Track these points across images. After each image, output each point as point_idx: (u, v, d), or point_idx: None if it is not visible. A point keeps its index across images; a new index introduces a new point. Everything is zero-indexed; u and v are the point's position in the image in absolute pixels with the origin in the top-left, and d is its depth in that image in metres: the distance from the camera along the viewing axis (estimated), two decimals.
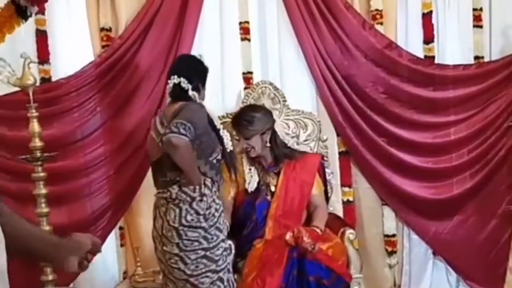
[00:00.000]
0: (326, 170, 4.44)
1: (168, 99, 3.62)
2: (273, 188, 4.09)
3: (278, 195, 4.07)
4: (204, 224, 3.38)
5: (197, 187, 3.38)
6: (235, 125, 4.09)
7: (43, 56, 4.38)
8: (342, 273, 3.79)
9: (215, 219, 3.43)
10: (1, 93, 4.19)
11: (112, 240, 4.57)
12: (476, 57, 4.84)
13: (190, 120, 3.25)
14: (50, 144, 4.10)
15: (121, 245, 4.61)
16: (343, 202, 4.77)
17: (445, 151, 4.81)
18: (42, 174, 4.01)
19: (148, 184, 4.47)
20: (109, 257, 4.59)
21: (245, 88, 4.62)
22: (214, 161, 3.47)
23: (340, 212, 4.68)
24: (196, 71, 3.58)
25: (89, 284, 4.45)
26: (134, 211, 4.56)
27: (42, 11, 4.30)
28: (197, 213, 3.37)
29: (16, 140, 4.19)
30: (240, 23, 4.64)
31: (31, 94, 3.97)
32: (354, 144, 4.72)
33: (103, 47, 4.48)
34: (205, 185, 3.41)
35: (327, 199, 4.35)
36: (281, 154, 4.12)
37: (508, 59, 4.72)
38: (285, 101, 4.51)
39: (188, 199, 3.37)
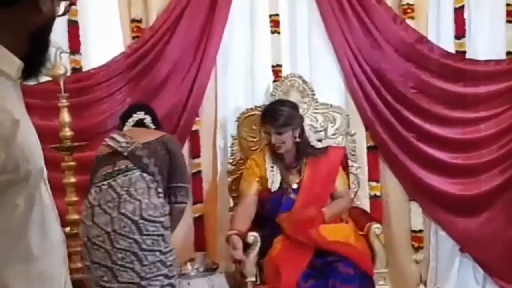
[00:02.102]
0: (354, 164, 4.43)
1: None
2: (295, 186, 4.07)
3: (302, 192, 4.05)
4: (162, 219, 3.38)
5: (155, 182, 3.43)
6: (266, 119, 4.06)
7: (74, 46, 4.42)
8: (365, 266, 3.80)
9: (169, 224, 3.45)
10: (32, 82, 4.21)
11: None
12: (508, 53, 4.77)
13: (187, 176, 3.66)
14: (79, 134, 4.15)
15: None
16: (370, 197, 4.75)
17: (475, 147, 4.77)
18: (71, 163, 4.06)
19: None
20: None
21: (274, 81, 4.61)
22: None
23: (367, 207, 4.66)
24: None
25: None
26: None
27: (74, 2, 4.33)
28: (156, 207, 3.36)
29: (46, 129, 4.22)
30: (270, 15, 4.63)
31: (62, 84, 4.01)
32: (383, 139, 4.70)
33: (133, 38, 4.50)
34: (157, 183, 3.44)
35: None
36: (305, 152, 4.11)
37: None
38: (313, 94, 4.50)
39: (146, 187, 3.38)
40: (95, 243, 3.32)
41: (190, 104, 4.47)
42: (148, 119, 3.67)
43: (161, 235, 3.34)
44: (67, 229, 3.95)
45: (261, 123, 4.13)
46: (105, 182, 3.40)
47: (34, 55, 1.47)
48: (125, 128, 3.70)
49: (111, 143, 3.52)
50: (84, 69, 4.46)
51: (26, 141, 1.38)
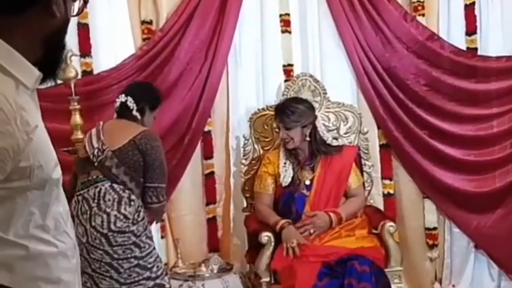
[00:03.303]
0: (366, 163, 4.43)
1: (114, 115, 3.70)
2: (307, 182, 4.09)
3: (315, 189, 4.08)
4: (133, 228, 3.36)
5: (127, 190, 3.41)
6: (277, 114, 4.11)
7: (85, 49, 4.40)
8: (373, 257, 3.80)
9: (145, 226, 3.44)
10: (43, 86, 4.22)
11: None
12: None
13: (165, 174, 3.51)
14: None
15: (162, 237, 4.62)
16: (384, 195, 4.75)
17: (488, 144, 4.75)
18: None
19: (188, 177, 4.53)
20: None
21: (285, 81, 4.61)
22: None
23: (380, 205, 4.66)
24: (144, 95, 3.69)
25: None
26: (174, 203, 4.57)
27: (87, 1, 4.31)
28: (126, 217, 3.35)
29: (58, 133, 4.20)
30: (281, 15, 4.62)
31: (72, 87, 4.01)
32: (395, 137, 4.69)
33: (144, 40, 4.49)
34: (131, 191, 3.43)
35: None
36: (319, 150, 4.12)
37: None
38: (325, 93, 4.49)
39: (116, 198, 3.38)
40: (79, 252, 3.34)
41: (202, 105, 4.46)
42: (130, 101, 3.59)
43: (133, 243, 3.35)
44: None
45: (274, 117, 4.18)
46: (80, 193, 3.46)
47: (50, 57, 1.47)
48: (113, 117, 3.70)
49: (87, 148, 3.53)
50: (95, 71, 4.44)
51: (41, 150, 1.39)
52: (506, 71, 4.71)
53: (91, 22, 4.40)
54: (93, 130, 3.59)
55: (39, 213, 1.44)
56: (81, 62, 4.38)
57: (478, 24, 4.74)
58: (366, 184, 4.39)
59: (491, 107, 4.74)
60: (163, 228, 4.63)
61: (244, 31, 4.59)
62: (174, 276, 4.13)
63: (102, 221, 3.33)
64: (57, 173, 1.50)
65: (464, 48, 4.73)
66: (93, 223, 3.35)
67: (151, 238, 3.48)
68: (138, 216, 3.39)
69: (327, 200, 4.03)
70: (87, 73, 4.41)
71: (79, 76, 4.20)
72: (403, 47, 4.63)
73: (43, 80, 1.50)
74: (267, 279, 3.93)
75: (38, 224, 1.43)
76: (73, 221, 3.25)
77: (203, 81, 4.44)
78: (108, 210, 3.35)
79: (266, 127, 4.46)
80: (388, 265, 3.95)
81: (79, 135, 4.02)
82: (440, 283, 4.85)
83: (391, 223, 4.06)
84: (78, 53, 4.30)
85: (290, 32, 4.64)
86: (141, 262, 3.36)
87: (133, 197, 3.40)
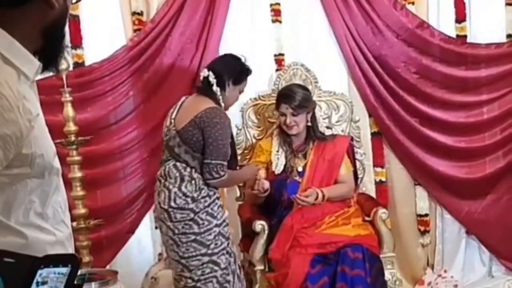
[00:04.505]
0: (358, 151, 4.45)
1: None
2: (300, 169, 4.11)
3: (308, 175, 4.10)
4: (192, 206, 3.45)
5: (189, 168, 3.50)
6: (285, 98, 4.09)
7: (76, 40, 4.40)
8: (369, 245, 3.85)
9: (207, 204, 3.49)
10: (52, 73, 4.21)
11: (146, 223, 4.61)
12: (509, 36, 4.81)
13: (221, 151, 3.49)
14: (84, 128, 4.14)
15: (156, 227, 4.64)
16: (376, 183, 4.79)
17: (478, 131, 4.80)
18: (77, 158, 4.06)
19: None
20: (144, 239, 4.66)
21: (276, 70, 4.62)
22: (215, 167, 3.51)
23: (372, 193, 4.70)
24: (227, 68, 3.67)
25: (124, 266, 4.49)
26: None
27: None
28: (185, 195, 3.46)
29: (50, 125, 4.14)
30: (271, 4, 4.63)
31: (64, 78, 3.99)
32: (386, 125, 4.72)
33: (135, 31, 4.49)
34: (194, 169, 3.50)
35: (356, 179, 4.36)
36: (313, 137, 4.15)
37: None
38: (316, 82, 4.51)
39: (178, 176, 3.48)
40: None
41: None
42: (211, 76, 3.60)
43: (191, 219, 3.46)
44: (74, 223, 3.95)
45: (277, 104, 4.15)
46: (159, 170, 3.63)
47: (50, 47, 1.49)
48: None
49: (164, 125, 3.69)
50: (87, 63, 4.44)
51: (42, 139, 1.41)
52: (495, 58, 4.75)
53: (82, 13, 4.39)
54: (172, 108, 3.69)
55: (39, 202, 1.45)
56: (72, 54, 4.37)
57: (467, 11, 4.76)
58: (358, 172, 4.40)
59: (481, 94, 4.78)
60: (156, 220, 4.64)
61: (235, 21, 4.58)
62: (169, 267, 4.15)
63: (165, 198, 3.51)
64: (57, 162, 1.52)
65: (454, 36, 4.75)
66: (159, 199, 3.54)
67: (213, 215, 3.51)
68: (200, 194, 3.49)
69: (319, 186, 4.04)
70: (78, 64, 4.41)
71: (71, 68, 4.19)
72: (393, 35, 4.65)
73: (44, 70, 1.51)
74: (261, 267, 3.96)
75: (37, 213, 1.45)
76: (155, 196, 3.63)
77: (195, 71, 4.44)
78: (170, 187, 3.51)
79: (258, 116, 4.47)
80: (380, 252, 3.98)
81: (71, 127, 4.02)
82: (432, 268, 4.88)
83: (383, 210, 4.10)
84: (69, 44, 4.29)
85: (280, 22, 4.65)
86: (198, 238, 3.47)
87: (195, 175, 3.51)
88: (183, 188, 3.47)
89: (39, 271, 1.25)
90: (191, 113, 3.52)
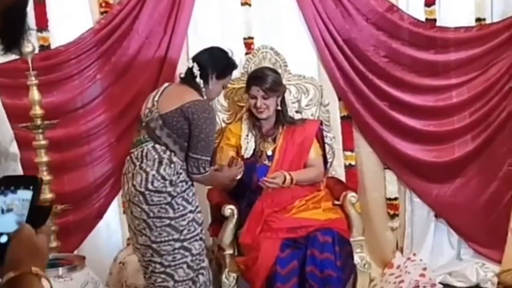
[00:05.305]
0: (328, 135, 4.44)
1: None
2: (269, 153, 4.10)
3: (277, 159, 4.09)
4: (170, 189, 3.42)
5: (168, 151, 3.46)
6: (256, 81, 4.07)
7: (42, 23, 4.33)
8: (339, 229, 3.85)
9: (183, 189, 3.47)
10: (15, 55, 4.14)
11: (114, 207, 4.58)
12: (478, 19, 4.81)
13: (211, 148, 3.55)
14: (50, 112, 4.09)
15: (124, 212, 4.60)
16: (345, 166, 4.78)
17: (447, 114, 4.82)
18: (43, 142, 4.00)
19: None
20: (112, 224, 4.62)
21: (246, 54, 4.59)
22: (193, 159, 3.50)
23: (342, 177, 4.69)
24: (212, 62, 3.64)
25: (92, 251, 4.45)
26: None
27: None
28: (164, 178, 3.42)
29: (16, 109, 4.15)
30: None
31: (30, 62, 3.93)
32: (356, 109, 4.71)
33: (101, 13, 4.43)
34: (174, 153, 3.47)
35: (325, 163, 4.35)
36: (284, 120, 4.13)
37: (509, 21, 4.72)
38: (286, 66, 4.48)
39: (157, 158, 3.44)
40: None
41: (162, 79, 4.39)
42: (196, 68, 3.57)
43: (168, 203, 3.42)
44: None
45: (248, 86, 4.12)
46: (131, 151, 3.58)
47: (10, 29, 1.44)
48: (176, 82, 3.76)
49: (143, 107, 3.63)
50: (53, 46, 4.38)
51: None
52: (464, 42, 4.76)
53: None
54: (154, 92, 3.66)
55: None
56: (38, 36, 4.30)
57: None
58: (328, 156, 4.40)
59: (450, 77, 4.80)
60: (124, 204, 4.60)
61: (204, 4, 4.53)
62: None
63: (141, 180, 3.43)
64: (14, 147, 1.48)
65: (423, 19, 4.75)
66: (134, 182, 3.46)
67: (188, 201, 3.48)
68: (178, 178, 3.45)
69: (288, 170, 4.02)
70: (44, 47, 4.35)
71: (36, 51, 4.12)
72: (362, 18, 4.64)
73: (6, 52, 1.46)
74: (231, 252, 3.95)
75: None
76: (123, 179, 3.58)
77: (163, 54, 4.40)
78: (148, 169, 3.44)
79: (227, 100, 4.44)
80: (350, 235, 3.98)
81: (37, 110, 3.96)
82: (401, 252, 4.90)
83: (353, 194, 4.09)
84: (34, 27, 4.22)
85: (250, 5, 4.60)
86: (172, 222, 3.43)
87: (174, 158, 3.46)
88: (161, 171, 3.42)
89: (2, 198, 1.24)
90: (177, 101, 3.48)
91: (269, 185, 3.90)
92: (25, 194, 1.25)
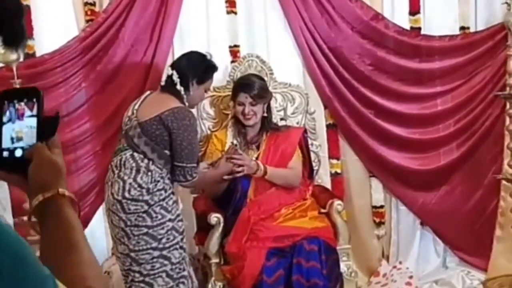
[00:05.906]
0: (314, 143, 4.44)
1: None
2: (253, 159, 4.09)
3: None
4: (147, 198, 3.40)
5: (146, 160, 3.45)
6: (243, 88, 4.06)
7: (27, 31, 4.30)
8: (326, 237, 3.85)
9: (162, 197, 3.45)
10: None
11: (100, 216, 4.54)
12: (462, 28, 4.85)
13: (195, 154, 3.54)
14: None
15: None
16: (331, 174, 4.79)
17: (432, 122, 4.84)
18: None
19: None
20: (97, 233, 4.57)
21: (232, 62, 4.59)
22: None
23: (328, 184, 4.69)
24: (191, 68, 3.63)
25: None
26: None
27: None
28: (140, 186, 3.40)
29: None
30: None
31: (14, 69, 3.93)
32: (342, 117, 4.72)
33: (87, 21, 4.41)
34: (152, 161, 3.46)
35: (311, 172, 4.35)
36: (269, 127, 4.13)
37: (493, 30, 4.75)
38: (272, 74, 4.48)
39: (135, 166, 3.43)
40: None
41: (147, 87, 4.35)
42: (175, 76, 3.57)
43: (145, 211, 3.40)
44: (25, 217, 3.87)
45: (235, 93, 4.11)
46: (112, 160, 3.58)
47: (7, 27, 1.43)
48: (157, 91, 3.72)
49: (125, 114, 3.63)
50: (38, 54, 4.35)
51: None
52: (449, 50, 4.78)
53: (32, 4, 4.30)
54: (136, 100, 3.65)
55: None
56: None
57: (421, 3, 4.80)
58: (313, 164, 4.39)
59: (435, 86, 4.82)
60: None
61: (190, 12, 4.53)
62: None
63: (118, 188, 3.43)
64: None
65: (408, 28, 4.78)
66: (112, 190, 3.46)
67: (167, 210, 3.46)
68: (155, 186, 3.43)
69: None
70: (29, 55, 4.32)
71: (21, 59, 4.10)
72: (348, 27, 4.65)
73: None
74: (217, 260, 3.93)
75: None
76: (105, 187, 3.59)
77: (149, 62, 4.39)
78: (125, 178, 3.44)
79: (213, 108, 4.44)
80: (336, 244, 3.98)
81: None
82: (387, 260, 4.91)
83: (339, 202, 4.09)
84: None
85: (236, 13, 4.60)
86: (150, 231, 3.41)
87: (152, 167, 3.44)
88: (138, 179, 3.41)
89: (11, 125, 1.28)
90: (156, 109, 3.47)
91: (237, 162, 3.87)
92: (31, 121, 1.28)
